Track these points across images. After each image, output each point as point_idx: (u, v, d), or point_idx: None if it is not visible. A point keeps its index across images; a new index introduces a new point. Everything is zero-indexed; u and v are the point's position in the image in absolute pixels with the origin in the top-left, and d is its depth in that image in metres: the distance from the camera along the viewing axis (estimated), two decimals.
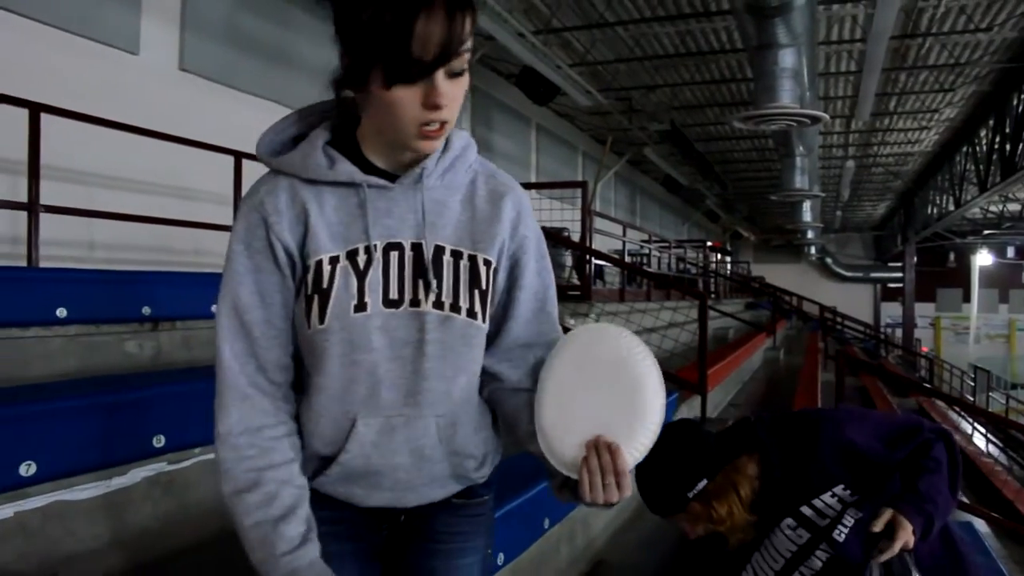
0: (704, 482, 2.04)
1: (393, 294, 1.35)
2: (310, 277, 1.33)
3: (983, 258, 33.09)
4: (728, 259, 27.52)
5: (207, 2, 7.20)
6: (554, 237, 8.83)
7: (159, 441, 2.67)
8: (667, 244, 16.55)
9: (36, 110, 4.10)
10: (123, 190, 6.32)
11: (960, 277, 35.83)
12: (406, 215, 1.37)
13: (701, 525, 2.10)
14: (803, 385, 10.12)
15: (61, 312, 3.43)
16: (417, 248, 1.36)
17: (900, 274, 30.66)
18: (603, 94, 12.82)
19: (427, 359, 1.36)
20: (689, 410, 6.62)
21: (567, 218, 10.22)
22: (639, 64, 12.71)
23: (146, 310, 3.83)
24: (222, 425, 1.33)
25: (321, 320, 1.33)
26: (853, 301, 34.54)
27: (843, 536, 2.02)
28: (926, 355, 27.56)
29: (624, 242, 11.01)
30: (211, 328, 3.98)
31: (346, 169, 1.35)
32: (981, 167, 16.12)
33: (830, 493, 2.05)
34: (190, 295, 4.21)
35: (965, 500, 7.15)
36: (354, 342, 1.34)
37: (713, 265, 20.90)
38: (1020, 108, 13.01)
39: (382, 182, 1.36)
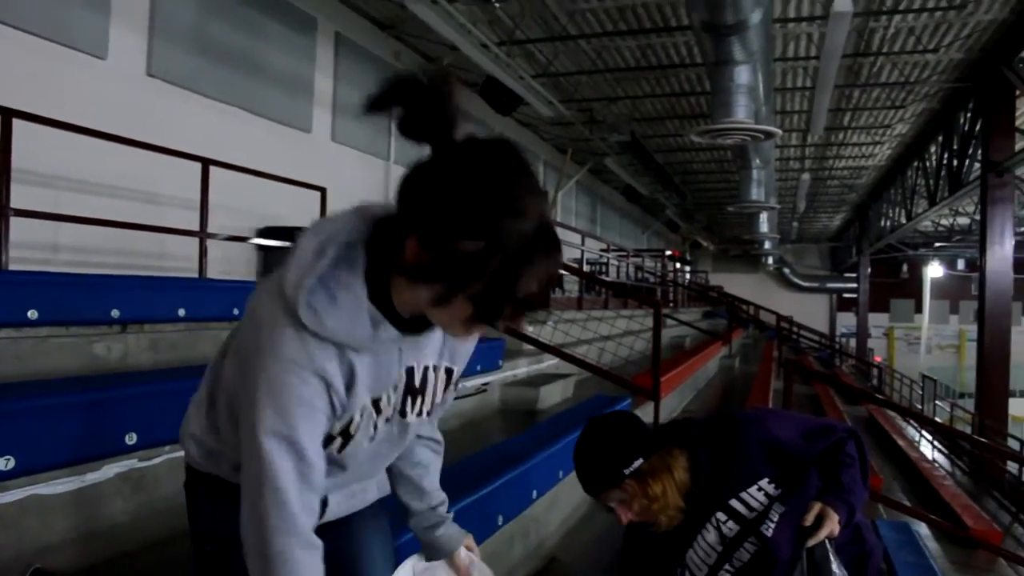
0: (640, 461, 2.19)
1: (390, 413, 1.53)
2: (342, 424, 1.43)
3: (934, 270, 33.85)
4: (687, 268, 27.88)
5: (175, 8, 7.28)
6: None
7: (131, 439, 2.79)
8: (626, 253, 16.80)
9: (8, 116, 4.19)
10: (89, 193, 6.38)
11: (913, 288, 36.61)
12: (426, 347, 1.52)
13: (636, 503, 2.21)
14: (756, 392, 10.37)
15: (32, 314, 3.53)
16: (413, 373, 1.52)
17: (855, 284, 31.30)
18: (565, 105, 13.05)
19: (395, 450, 1.67)
20: (643, 415, 6.80)
21: None
22: (600, 76, 12.95)
23: (115, 313, 3.93)
24: (288, 549, 1.35)
25: (339, 451, 1.48)
26: (809, 310, 35.13)
27: (770, 530, 2.17)
28: (878, 364, 28.13)
29: (583, 251, 11.20)
30: (177, 331, 4.09)
31: (390, 335, 1.40)
32: (931, 181, 16.60)
33: (756, 487, 2.20)
34: (158, 299, 4.32)
35: (907, 503, 7.43)
36: (356, 456, 1.52)
37: (672, 274, 21.19)
38: (966, 126, 13.45)
39: (416, 337, 1.46)
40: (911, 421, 14.82)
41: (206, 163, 5.86)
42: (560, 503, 4.50)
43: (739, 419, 2.32)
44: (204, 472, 1.61)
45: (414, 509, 1.86)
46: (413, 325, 1.42)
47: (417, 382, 1.52)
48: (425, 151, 1.29)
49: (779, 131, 9.97)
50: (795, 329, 26.40)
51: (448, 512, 1.90)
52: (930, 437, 14.43)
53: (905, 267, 36.51)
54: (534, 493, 3.84)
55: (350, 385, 1.40)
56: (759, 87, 8.95)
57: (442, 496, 1.89)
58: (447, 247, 1.21)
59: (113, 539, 2.72)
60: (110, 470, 2.74)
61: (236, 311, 4.84)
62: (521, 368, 6.90)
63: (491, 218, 1.20)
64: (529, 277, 1.23)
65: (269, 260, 7.97)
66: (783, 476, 2.21)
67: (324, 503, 1.55)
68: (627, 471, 2.19)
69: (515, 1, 9.90)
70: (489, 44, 9.95)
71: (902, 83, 13.13)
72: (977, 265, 12.56)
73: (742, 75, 8.34)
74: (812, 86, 12.13)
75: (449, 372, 1.60)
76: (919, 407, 20.21)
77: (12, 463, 2.39)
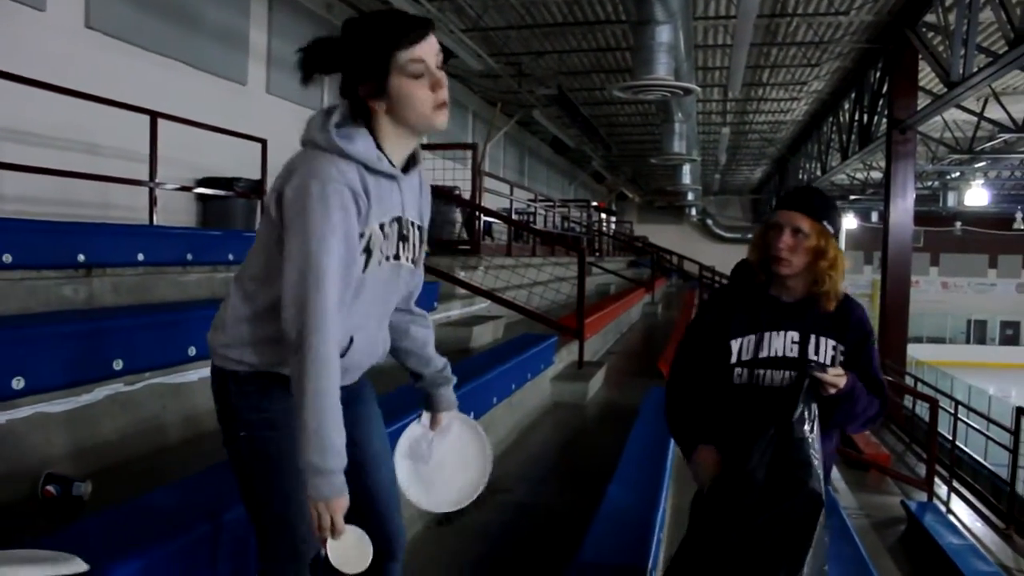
0: (832, 231, 2.39)
1: (391, 252, 1.93)
2: (364, 242, 1.84)
3: (849, 222, 35.07)
4: (613, 219, 28.53)
5: None
6: (445, 195, 9.39)
7: (118, 365, 3.15)
8: (552, 203, 17.28)
9: None
10: (31, 144, 6.49)
11: None
12: (406, 196, 1.96)
13: (811, 242, 2.36)
14: (676, 336, 11.01)
15: (7, 258, 3.83)
16: (400, 221, 1.94)
17: None
18: (494, 59, 13.34)
19: (394, 295, 2.04)
20: (568, 353, 7.34)
21: (458, 177, 10.75)
22: (529, 31, 13.25)
23: (81, 257, 4.24)
24: (323, 345, 1.73)
25: (364, 270, 1.86)
26: (732, 261, 34.62)
27: (812, 371, 2.30)
28: None
29: (512, 200, 11.60)
30: (137, 275, 4.42)
31: (387, 165, 1.87)
32: (844, 136, 17.40)
33: (834, 343, 2.40)
34: (119, 244, 4.62)
35: None
36: (371, 285, 1.91)
37: (597, 224, 21.76)
38: (875, 85, 14.17)
39: (400, 173, 1.92)
40: None
41: (154, 116, 6.09)
42: (495, 427, 4.98)
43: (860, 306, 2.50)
44: (232, 370, 1.94)
45: (425, 375, 2.25)
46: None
47: (404, 228, 1.95)
48: None
49: (698, 88, 10.45)
50: (717, 279, 27.27)
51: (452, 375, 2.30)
52: None
53: None
54: (472, 415, 4.29)
55: (368, 204, 1.82)
56: (680, 45, 9.39)
57: (444, 360, 2.28)
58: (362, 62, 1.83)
59: (104, 454, 3.09)
60: (100, 392, 3.10)
61: (189, 256, 5.16)
62: (455, 310, 7.33)
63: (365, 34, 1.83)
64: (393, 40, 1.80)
65: (209, 210, 8.19)
66: (847, 358, 2.41)
67: (351, 342, 1.93)
68: (826, 222, 2.38)
69: None
70: None
71: (816, 43, 13.73)
72: None
73: (663, 34, 8.76)
74: (732, 44, 12.65)
75: (420, 229, 2.04)
76: None
77: (22, 383, 2.74)
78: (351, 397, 2.00)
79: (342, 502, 1.76)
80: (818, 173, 21.35)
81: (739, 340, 2.43)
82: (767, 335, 2.42)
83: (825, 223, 2.37)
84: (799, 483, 2.18)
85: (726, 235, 38.08)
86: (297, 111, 10.42)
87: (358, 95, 1.85)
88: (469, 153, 10.92)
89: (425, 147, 10.83)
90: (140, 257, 4.68)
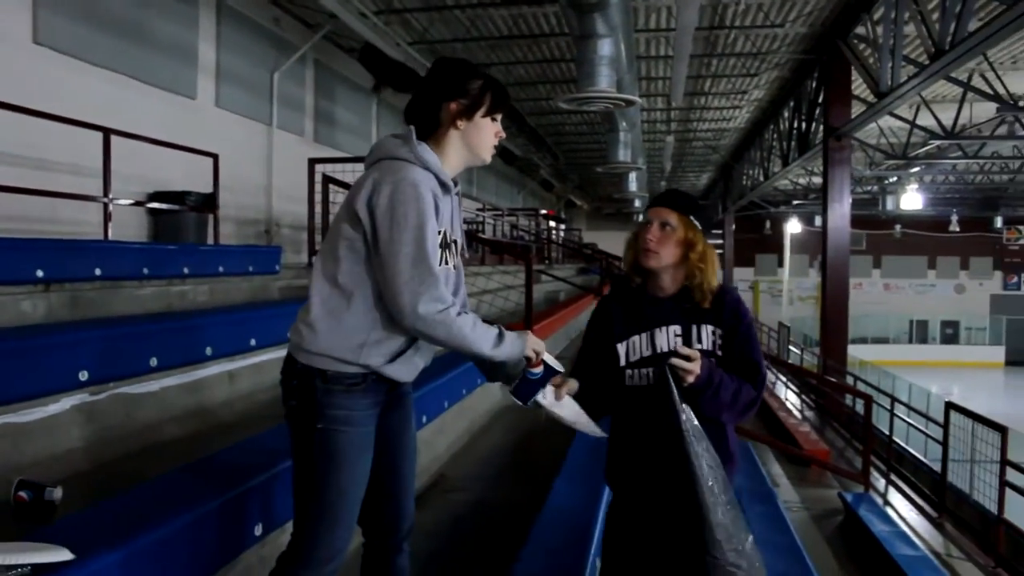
0: (700, 226, 2.51)
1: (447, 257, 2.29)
2: (441, 236, 2.21)
3: (793, 226, 35.83)
4: (562, 226, 28.84)
5: None
6: None
7: (83, 375, 3.28)
8: (501, 212, 17.49)
9: None
10: None
11: (776, 244, 38.63)
12: (453, 211, 2.37)
13: (678, 234, 2.47)
14: None
15: None
16: (447, 233, 2.29)
17: (722, 241, 32.95)
18: None
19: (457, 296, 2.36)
20: None
21: None
22: (475, 43, 13.47)
23: (39, 273, 4.33)
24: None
25: (444, 263, 2.23)
26: None
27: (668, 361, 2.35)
28: None
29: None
30: (95, 290, 4.52)
31: (447, 178, 2.29)
32: (784, 143, 17.90)
33: (713, 329, 2.47)
34: (76, 259, 4.72)
35: (759, 433, 8.44)
36: (452, 279, 2.32)
37: (546, 232, 22.00)
38: (812, 94, 14.65)
39: (453, 189, 2.35)
40: (769, 367, 16.13)
41: (107, 132, 6.16)
42: (447, 430, 5.16)
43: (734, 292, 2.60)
44: (321, 369, 2.19)
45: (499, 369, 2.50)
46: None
47: (448, 239, 2.29)
48: None
49: (639, 100, 10.75)
50: None
51: None
52: (784, 379, 15.84)
53: (768, 224, 38.55)
54: (424, 418, 4.47)
55: (438, 206, 2.21)
56: (621, 58, 9.66)
57: None
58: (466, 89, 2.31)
59: (72, 460, 3.21)
60: (67, 402, 3.23)
61: (145, 270, 5.26)
62: None
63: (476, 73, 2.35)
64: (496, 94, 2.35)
65: (161, 224, 8.24)
66: (725, 347, 2.47)
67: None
68: (692, 217, 2.50)
69: None
70: (367, 13, 10.35)
71: (754, 54, 14.18)
72: None
73: (605, 47, 9.02)
74: (673, 55, 12.99)
75: (455, 242, 2.38)
76: (775, 353, 21.80)
77: None
78: (396, 403, 2.39)
79: (532, 339, 2.31)
80: (761, 179, 21.89)
81: (624, 343, 2.52)
82: (652, 333, 2.50)
83: (692, 217, 2.50)
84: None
85: None
86: (245, 123, 10.57)
87: (438, 113, 2.29)
88: None
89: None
90: (97, 272, 4.78)
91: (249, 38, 10.59)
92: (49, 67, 7.32)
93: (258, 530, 2.81)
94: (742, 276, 38.04)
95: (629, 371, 2.50)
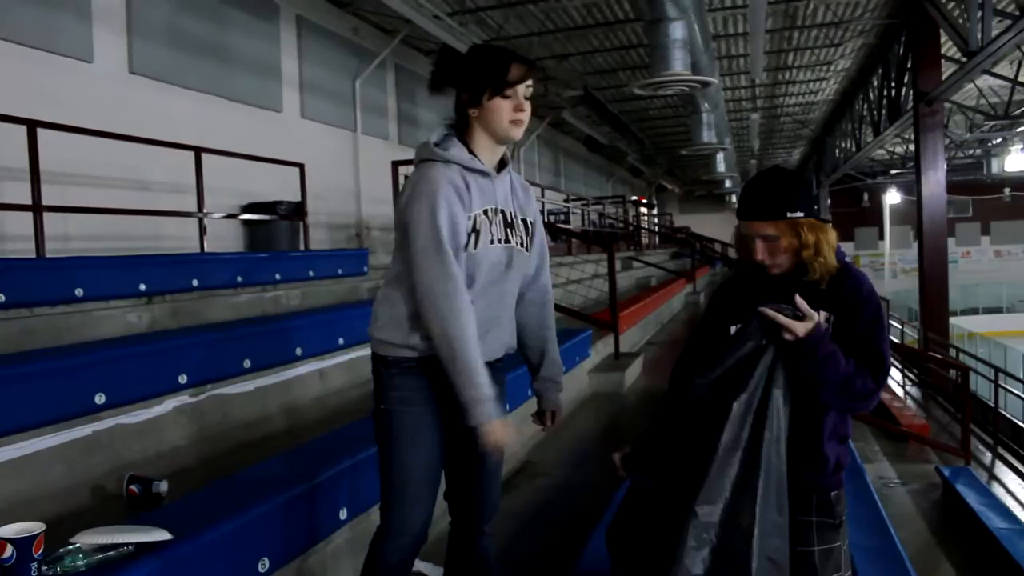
0: (801, 214, 2.27)
1: (499, 236, 2.37)
2: (471, 223, 2.31)
3: (892, 197, 34.76)
4: (654, 212, 28.69)
5: (149, 8, 7.83)
6: None
7: (183, 379, 3.55)
8: (586, 202, 17.54)
9: (32, 126, 4.89)
10: (90, 186, 6.92)
11: (875, 216, 37.53)
12: (500, 192, 2.42)
13: (785, 242, 2.27)
14: None
15: (79, 292, 4.26)
16: (503, 212, 2.41)
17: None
18: None
19: (512, 273, 2.44)
20: (604, 346, 7.64)
21: None
22: (550, 36, 13.55)
23: (142, 286, 4.66)
24: (457, 294, 2.23)
25: (475, 247, 2.31)
26: None
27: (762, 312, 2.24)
28: None
29: (543, 203, 11.90)
30: (192, 299, 4.84)
31: (479, 164, 2.37)
32: (875, 112, 17.42)
33: (827, 313, 2.28)
34: (175, 272, 5.04)
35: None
36: (485, 264, 2.35)
37: (635, 219, 21.94)
38: (900, 59, 14.24)
39: (493, 172, 2.40)
40: None
41: (199, 151, 6.52)
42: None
43: (863, 274, 2.42)
44: (382, 355, 2.40)
45: (540, 375, 2.66)
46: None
47: (509, 218, 2.42)
48: None
49: (716, 80, 10.67)
50: None
51: (558, 383, 2.68)
52: None
53: (866, 196, 37.41)
54: (507, 406, 4.61)
55: (469, 194, 2.32)
56: (696, 39, 9.65)
57: (558, 368, 2.67)
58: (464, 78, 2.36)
59: (174, 458, 3.48)
60: (169, 404, 3.50)
61: (239, 279, 5.57)
62: None
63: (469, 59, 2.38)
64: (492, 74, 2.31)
65: (255, 233, 8.64)
66: (838, 332, 2.28)
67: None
68: (789, 214, 2.27)
69: None
70: (441, 15, 10.57)
71: (836, 23, 13.85)
72: None
73: (677, 30, 9.02)
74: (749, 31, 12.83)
75: (525, 222, 2.49)
76: None
77: (104, 398, 3.15)
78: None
79: (498, 424, 2.24)
80: (854, 150, 21.33)
81: (737, 325, 2.37)
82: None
83: (788, 215, 2.27)
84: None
85: None
86: (331, 132, 10.93)
87: (461, 106, 2.39)
88: None
89: None
90: (195, 283, 5.10)
91: (330, 49, 10.95)
92: (144, 94, 7.75)
93: (343, 514, 3.01)
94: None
95: None
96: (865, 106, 18.73)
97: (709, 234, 30.00)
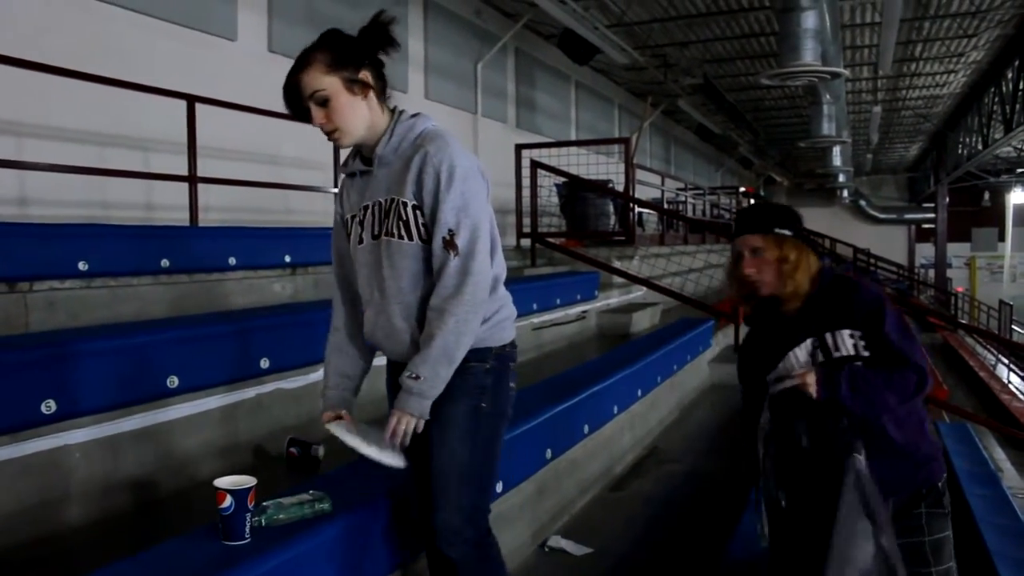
0: (789, 232, 2.46)
1: (369, 232, 2.29)
2: (348, 226, 2.37)
3: (1017, 196, 33.25)
4: None
5: None
6: (600, 188, 9.73)
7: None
8: (702, 191, 17.34)
9: (192, 101, 5.11)
10: (228, 159, 7.19)
11: (995, 216, 35.93)
12: (379, 184, 2.30)
13: (768, 254, 2.42)
14: None
15: (232, 260, 4.45)
16: (378, 204, 2.28)
17: (934, 215, 30.97)
18: (639, 52, 13.56)
19: (383, 268, 2.26)
20: (724, 337, 7.59)
21: (611, 171, 11.05)
22: (672, 23, 13.41)
23: (287, 258, 4.83)
24: None
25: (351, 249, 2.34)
26: (887, 242, 34.67)
27: (772, 386, 2.44)
28: (958, 294, 27.96)
29: (663, 191, 11.81)
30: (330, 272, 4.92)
31: (355, 166, 2.36)
32: (1007, 107, 16.66)
33: (849, 333, 2.39)
34: (318, 245, 5.20)
35: (969, 410, 8.05)
36: (359, 260, 2.34)
37: None
38: None
39: (367, 168, 2.32)
40: (988, 346, 15.20)
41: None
42: (659, 404, 5.32)
43: (864, 282, 2.56)
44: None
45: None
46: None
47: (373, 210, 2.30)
48: None
49: (846, 72, 10.38)
50: (872, 261, 26.45)
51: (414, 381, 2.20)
52: (1006, 360, 14.86)
53: (987, 195, 35.76)
54: (639, 391, 4.66)
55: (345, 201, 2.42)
56: (826, 29, 9.42)
57: (417, 370, 2.18)
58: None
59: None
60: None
61: None
62: (614, 298, 7.71)
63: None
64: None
65: None
66: (869, 343, 2.39)
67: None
68: (776, 229, 2.45)
69: None
70: None
71: (973, 13, 13.29)
72: None
73: (809, 20, 8.83)
74: (881, 22, 12.43)
75: (392, 201, 2.25)
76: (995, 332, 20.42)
77: (268, 363, 3.30)
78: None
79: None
80: (980, 147, 20.46)
81: (772, 375, 2.49)
82: (790, 355, 2.46)
83: (776, 231, 2.44)
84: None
85: (880, 216, 36.56)
86: (453, 113, 11.08)
87: None
88: (615, 146, 11.25)
89: (579, 143, 11.34)
90: None
91: (454, 32, 11.07)
92: (282, 72, 7.92)
93: (499, 487, 3.09)
94: (956, 252, 35.33)
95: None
96: (996, 100, 17.94)
97: (817, 229, 29.22)
